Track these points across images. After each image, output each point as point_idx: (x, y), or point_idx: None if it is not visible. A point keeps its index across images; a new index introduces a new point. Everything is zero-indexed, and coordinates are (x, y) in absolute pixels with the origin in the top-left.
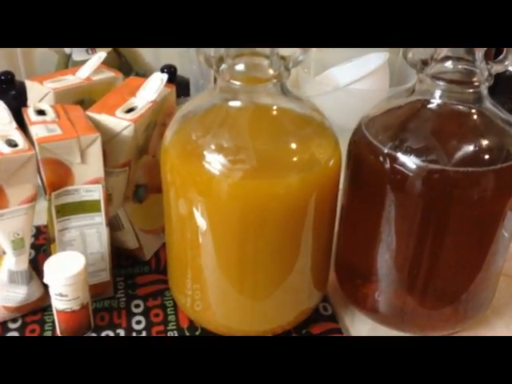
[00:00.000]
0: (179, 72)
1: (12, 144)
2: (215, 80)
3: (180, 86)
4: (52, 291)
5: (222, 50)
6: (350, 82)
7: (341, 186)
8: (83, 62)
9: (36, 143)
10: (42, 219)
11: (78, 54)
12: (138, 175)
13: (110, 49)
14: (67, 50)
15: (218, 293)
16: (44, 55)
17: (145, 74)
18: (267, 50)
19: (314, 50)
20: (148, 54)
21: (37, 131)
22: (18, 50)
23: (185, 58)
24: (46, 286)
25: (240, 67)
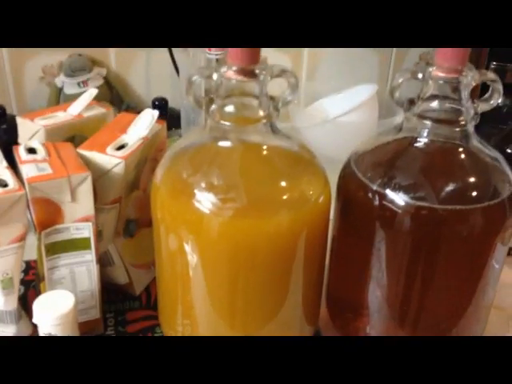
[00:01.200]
0: (170, 104)
1: (2, 184)
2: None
3: (171, 117)
4: (41, 331)
5: (212, 91)
6: (339, 114)
7: (331, 217)
8: (75, 96)
9: (26, 183)
10: (31, 254)
11: (69, 87)
12: (129, 210)
13: (101, 83)
14: (59, 83)
15: (209, 328)
16: (36, 89)
17: (136, 106)
18: (256, 90)
19: (303, 80)
20: (139, 87)
21: (27, 170)
22: (10, 83)
23: (176, 91)
24: (35, 324)
25: (230, 108)
